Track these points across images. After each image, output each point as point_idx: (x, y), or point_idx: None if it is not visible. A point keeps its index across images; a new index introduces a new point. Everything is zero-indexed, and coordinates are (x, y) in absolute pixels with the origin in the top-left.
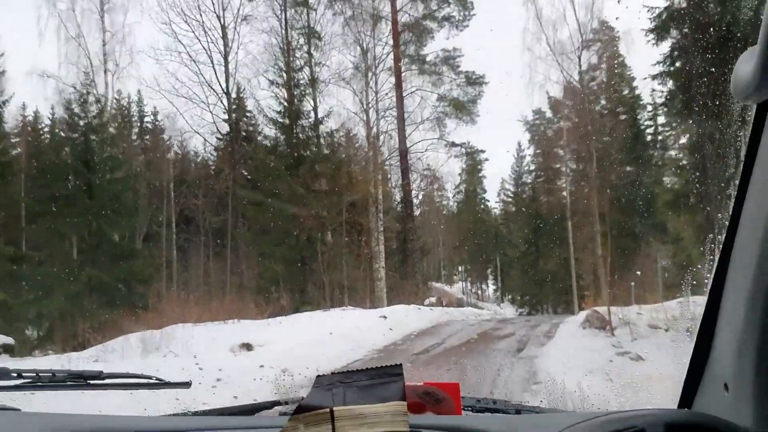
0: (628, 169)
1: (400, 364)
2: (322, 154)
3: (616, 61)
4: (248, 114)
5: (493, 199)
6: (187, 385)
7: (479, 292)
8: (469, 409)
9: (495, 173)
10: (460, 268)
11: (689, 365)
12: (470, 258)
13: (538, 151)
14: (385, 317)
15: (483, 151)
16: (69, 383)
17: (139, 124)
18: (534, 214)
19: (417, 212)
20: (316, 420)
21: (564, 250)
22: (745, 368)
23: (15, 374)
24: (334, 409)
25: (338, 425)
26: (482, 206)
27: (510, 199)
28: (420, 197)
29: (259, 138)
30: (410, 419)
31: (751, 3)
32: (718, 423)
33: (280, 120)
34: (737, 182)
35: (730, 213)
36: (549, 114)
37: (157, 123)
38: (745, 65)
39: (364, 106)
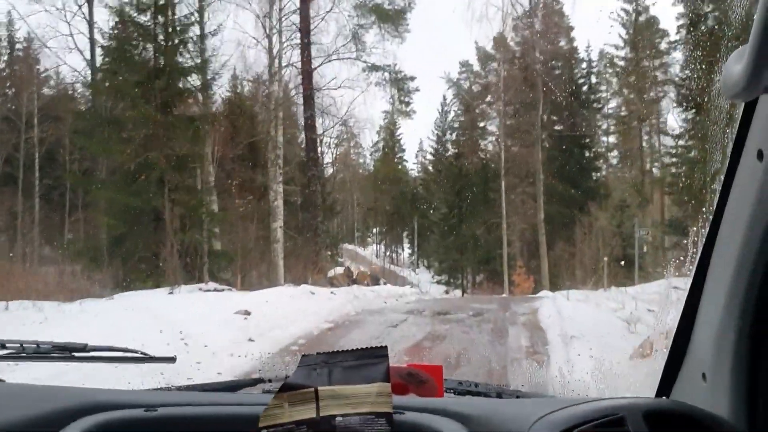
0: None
1: (386, 346)
2: (191, 66)
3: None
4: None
5: (411, 159)
6: (172, 360)
7: (394, 255)
8: (452, 391)
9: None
10: (374, 231)
11: (668, 355)
12: (386, 220)
13: (461, 108)
14: (247, 314)
15: (413, 79)
16: (53, 355)
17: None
18: (458, 173)
19: (330, 169)
20: (300, 399)
21: (492, 214)
22: (723, 359)
23: None
24: (319, 388)
25: (322, 404)
26: (400, 166)
27: (431, 158)
28: (332, 145)
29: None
30: (393, 400)
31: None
32: (696, 412)
33: (135, 15)
34: (722, 177)
35: (714, 207)
36: (477, 67)
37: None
38: (735, 64)
39: (267, 31)
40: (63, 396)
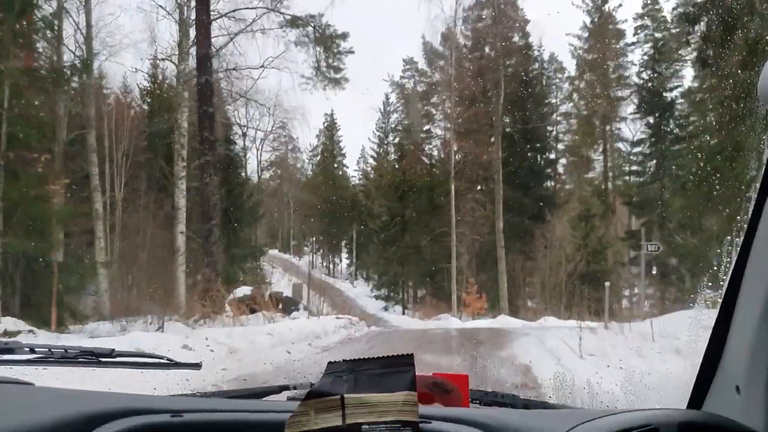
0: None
1: (412, 354)
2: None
3: None
4: None
5: (353, 165)
6: (197, 366)
7: (330, 266)
8: (477, 401)
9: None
10: (312, 240)
11: (700, 366)
12: (323, 228)
13: (405, 110)
14: None
15: (344, 37)
16: (80, 360)
17: None
18: (400, 178)
19: (265, 172)
20: (326, 406)
21: (439, 222)
22: (758, 371)
23: (28, 349)
24: (345, 396)
25: (348, 412)
26: (341, 171)
27: (373, 162)
28: (258, 140)
29: None
30: (419, 409)
31: None
32: (731, 425)
33: None
34: (758, 185)
35: (749, 215)
36: (423, 65)
37: None
38: None
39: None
40: (90, 400)
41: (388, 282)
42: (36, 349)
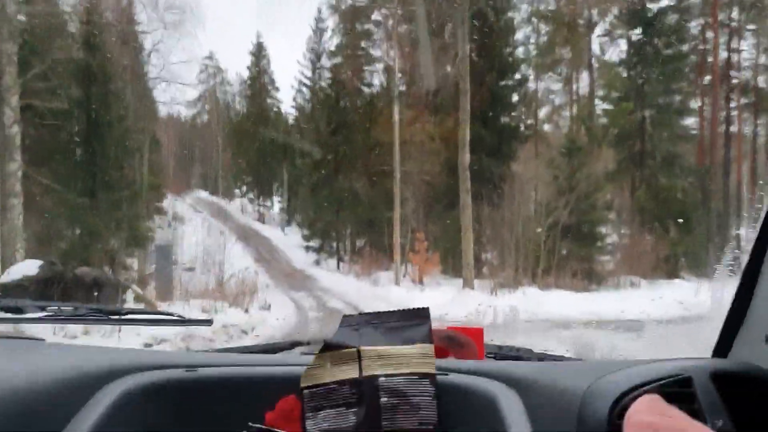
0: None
1: (427, 308)
2: None
3: None
4: None
5: (289, 101)
6: (208, 322)
7: (260, 210)
8: (492, 356)
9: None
10: (244, 182)
11: (727, 315)
12: (253, 169)
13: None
14: None
15: None
16: (90, 317)
17: None
18: (333, 107)
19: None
20: (343, 358)
21: (382, 160)
22: None
23: (37, 307)
24: (361, 348)
25: (365, 365)
26: (276, 107)
27: (307, 92)
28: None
29: None
30: (435, 362)
31: None
32: (763, 373)
33: None
34: None
35: None
36: None
37: None
38: None
39: None
40: (103, 356)
41: (320, 231)
42: (47, 308)
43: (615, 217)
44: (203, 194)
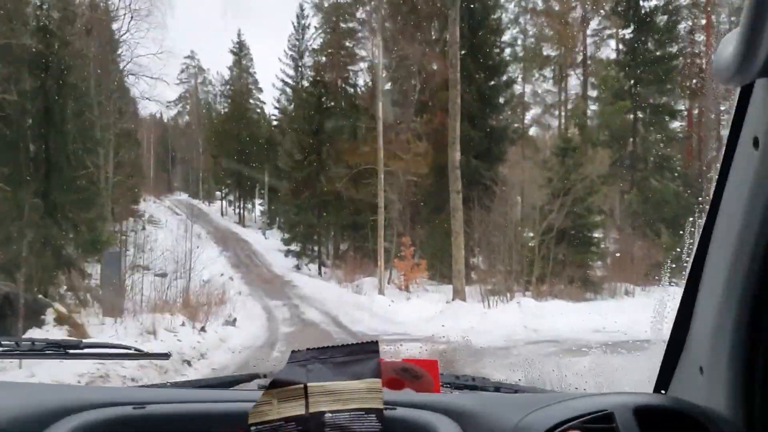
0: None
1: (377, 341)
2: None
3: None
4: None
5: (271, 100)
6: (166, 356)
7: (241, 213)
8: (448, 386)
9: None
10: (226, 184)
11: (666, 348)
12: (233, 171)
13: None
14: None
15: None
16: (48, 352)
17: None
18: (315, 106)
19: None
20: (289, 395)
21: (362, 159)
22: (720, 352)
23: None
24: (309, 384)
25: (312, 401)
26: (259, 109)
27: (289, 91)
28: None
29: None
30: (388, 396)
31: None
32: (688, 407)
33: None
34: (719, 165)
35: (711, 197)
36: None
37: None
38: (727, 48)
39: None
40: (51, 394)
41: (301, 235)
42: (2, 342)
43: (608, 221)
44: (183, 197)
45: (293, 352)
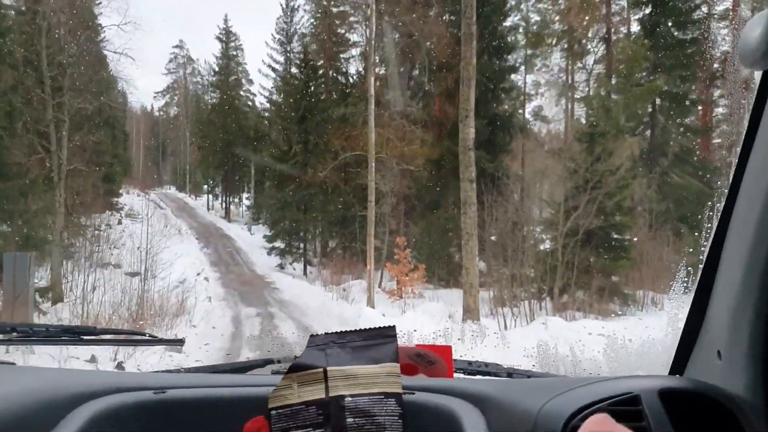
0: None
1: (394, 326)
2: None
3: None
4: None
5: (258, 91)
6: (180, 342)
7: (227, 207)
8: (461, 371)
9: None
10: (213, 175)
11: (682, 332)
12: (220, 163)
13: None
14: None
15: None
16: (63, 338)
17: None
18: (302, 92)
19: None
20: (309, 379)
21: (355, 147)
22: (739, 336)
23: (9, 328)
24: (328, 368)
25: (331, 385)
26: (251, 100)
27: (276, 78)
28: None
29: None
30: (404, 381)
31: None
32: (712, 390)
33: None
34: (738, 150)
35: (731, 180)
36: None
37: None
38: (754, 31)
39: None
40: (73, 379)
41: (285, 231)
42: (18, 328)
43: (638, 221)
44: (171, 190)
45: (311, 336)
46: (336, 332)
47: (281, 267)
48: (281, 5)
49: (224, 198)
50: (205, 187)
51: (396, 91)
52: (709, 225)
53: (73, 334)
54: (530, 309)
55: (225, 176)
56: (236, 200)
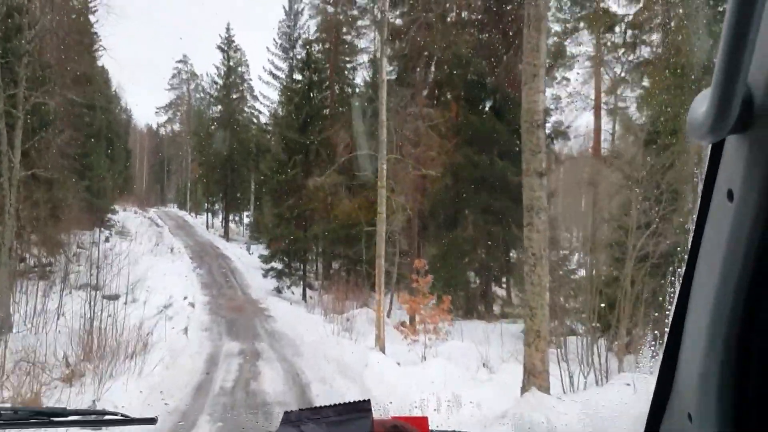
0: None
1: (369, 400)
2: None
3: None
4: None
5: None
6: (153, 421)
7: (226, 225)
8: None
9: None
10: (216, 195)
11: (653, 395)
12: (220, 180)
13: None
14: None
15: None
16: (32, 421)
17: None
18: (303, 98)
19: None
20: None
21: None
22: (708, 398)
23: None
24: None
25: None
26: (254, 113)
27: (277, 85)
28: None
29: None
30: None
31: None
32: None
33: None
34: (695, 217)
35: (689, 247)
36: None
37: None
38: (700, 107)
39: None
40: None
41: (283, 250)
42: None
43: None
44: (173, 208)
45: (286, 412)
46: (310, 408)
47: (278, 291)
48: (284, 8)
49: (224, 216)
50: (207, 204)
51: (408, 90)
52: (672, 290)
53: (43, 416)
54: (600, 360)
55: (225, 193)
56: (237, 218)
